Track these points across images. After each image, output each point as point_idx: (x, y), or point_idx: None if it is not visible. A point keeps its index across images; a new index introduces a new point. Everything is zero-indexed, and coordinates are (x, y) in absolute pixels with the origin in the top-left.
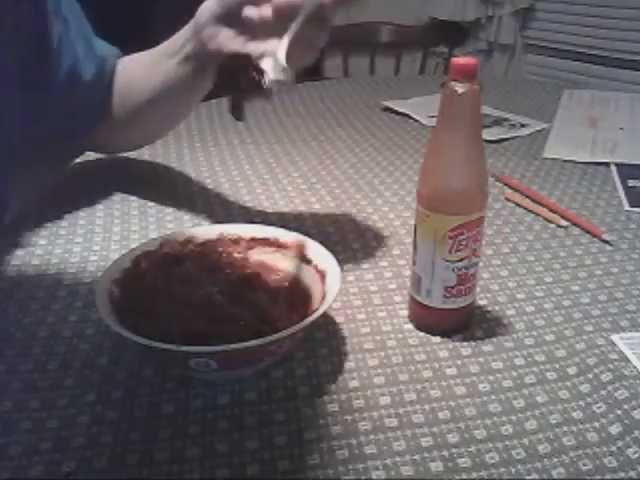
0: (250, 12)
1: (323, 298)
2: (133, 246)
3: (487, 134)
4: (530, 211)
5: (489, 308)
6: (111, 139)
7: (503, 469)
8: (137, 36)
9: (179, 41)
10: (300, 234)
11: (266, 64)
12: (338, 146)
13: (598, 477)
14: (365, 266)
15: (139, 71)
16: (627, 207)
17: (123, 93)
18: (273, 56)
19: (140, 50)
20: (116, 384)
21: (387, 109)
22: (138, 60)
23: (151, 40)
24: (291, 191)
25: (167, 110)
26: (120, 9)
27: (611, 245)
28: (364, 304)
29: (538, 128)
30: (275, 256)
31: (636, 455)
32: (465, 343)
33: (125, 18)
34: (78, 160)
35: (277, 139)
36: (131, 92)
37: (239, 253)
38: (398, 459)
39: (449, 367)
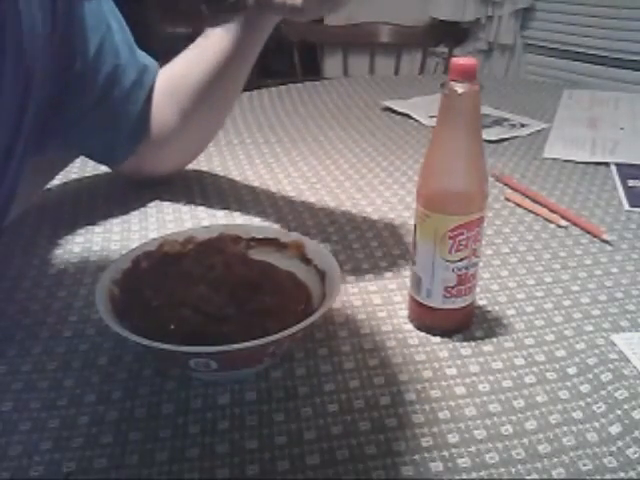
0: None
1: (323, 298)
2: (133, 246)
3: (487, 134)
4: (530, 211)
5: (489, 308)
6: (151, 159)
7: (503, 469)
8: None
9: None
10: (300, 234)
11: None
12: (338, 146)
13: (598, 477)
14: (365, 266)
15: (183, 66)
16: (627, 207)
17: (167, 96)
18: None
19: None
20: (116, 384)
21: (387, 109)
22: (177, 60)
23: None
24: (291, 191)
25: (219, 93)
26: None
27: (611, 245)
28: (364, 304)
29: (538, 128)
30: (275, 256)
31: (636, 455)
32: (465, 343)
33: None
34: (78, 160)
35: (277, 139)
36: (179, 90)
37: (239, 253)
38: (398, 459)
39: (449, 367)
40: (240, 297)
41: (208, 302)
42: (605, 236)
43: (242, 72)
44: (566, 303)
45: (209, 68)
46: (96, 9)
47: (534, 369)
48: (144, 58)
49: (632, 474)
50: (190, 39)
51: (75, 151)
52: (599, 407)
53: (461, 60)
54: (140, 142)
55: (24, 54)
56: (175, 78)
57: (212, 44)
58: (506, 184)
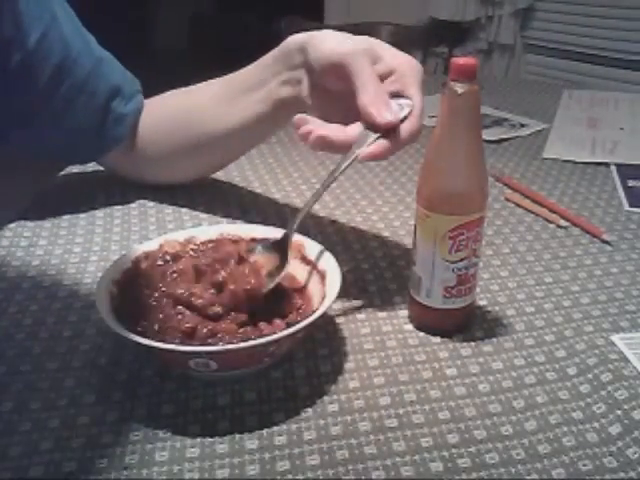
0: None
1: (323, 298)
2: (133, 246)
3: (487, 134)
4: (530, 211)
5: (489, 308)
6: (145, 171)
7: (503, 469)
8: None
9: (267, 76)
10: (300, 234)
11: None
12: None
13: (598, 477)
14: (365, 266)
15: (209, 102)
16: (627, 207)
17: (179, 124)
18: None
19: (136, 62)
20: (116, 384)
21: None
22: (206, 90)
23: (149, 54)
24: (291, 191)
25: (239, 144)
26: (119, 25)
27: (611, 245)
28: (364, 304)
29: (538, 128)
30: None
31: (636, 455)
32: (465, 343)
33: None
34: None
35: (277, 139)
36: (194, 124)
37: (239, 253)
38: (398, 459)
39: (449, 367)
40: (240, 297)
41: (208, 302)
42: (605, 236)
43: (257, 140)
44: (566, 303)
45: (223, 126)
46: (35, 1)
47: (534, 369)
48: (104, 53)
49: (632, 474)
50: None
51: (32, 153)
52: (599, 407)
53: (461, 60)
54: (116, 140)
55: None
56: (185, 115)
57: (250, 105)
58: (506, 184)
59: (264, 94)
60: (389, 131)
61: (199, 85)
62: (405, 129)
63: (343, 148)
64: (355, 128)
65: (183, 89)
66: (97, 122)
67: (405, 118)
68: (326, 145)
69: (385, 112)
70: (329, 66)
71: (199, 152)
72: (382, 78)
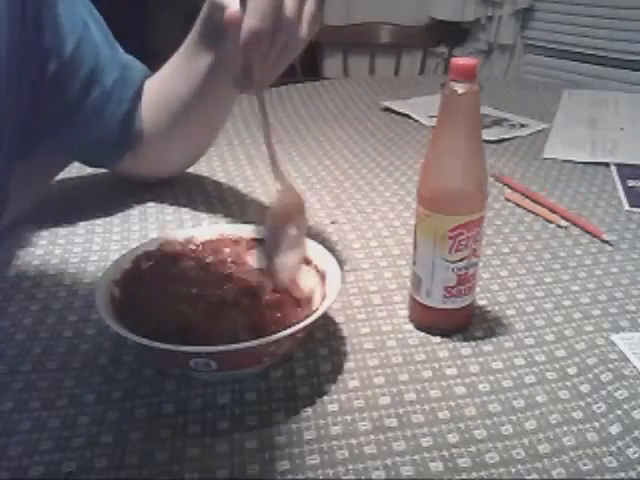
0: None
1: (323, 298)
2: (133, 246)
3: (487, 134)
4: (530, 211)
5: (489, 308)
6: (146, 162)
7: (503, 469)
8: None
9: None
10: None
11: None
12: (338, 146)
13: (598, 477)
14: (365, 266)
15: (170, 77)
16: (627, 207)
17: (159, 106)
18: None
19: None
20: (116, 384)
21: (387, 109)
22: (167, 68)
23: (151, 51)
24: None
25: (208, 107)
26: (119, 21)
27: (611, 245)
28: (364, 304)
29: (538, 128)
30: None
31: (636, 455)
32: (465, 343)
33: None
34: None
35: (277, 139)
36: (168, 101)
37: (239, 253)
38: (398, 459)
39: (449, 367)
40: (240, 297)
41: (208, 301)
42: (605, 236)
43: (224, 93)
44: (566, 303)
45: (187, 88)
46: (71, 8)
47: (534, 369)
48: (126, 56)
49: (632, 474)
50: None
51: (64, 155)
52: (599, 407)
53: (461, 60)
54: (132, 142)
55: None
56: (157, 93)
57: (189, 64)
58: (506, 184)
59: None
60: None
61: (167, 69)
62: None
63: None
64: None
65: (156, 74)
66: (121, 127)
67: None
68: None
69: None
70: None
71: (182, 124)
72: None
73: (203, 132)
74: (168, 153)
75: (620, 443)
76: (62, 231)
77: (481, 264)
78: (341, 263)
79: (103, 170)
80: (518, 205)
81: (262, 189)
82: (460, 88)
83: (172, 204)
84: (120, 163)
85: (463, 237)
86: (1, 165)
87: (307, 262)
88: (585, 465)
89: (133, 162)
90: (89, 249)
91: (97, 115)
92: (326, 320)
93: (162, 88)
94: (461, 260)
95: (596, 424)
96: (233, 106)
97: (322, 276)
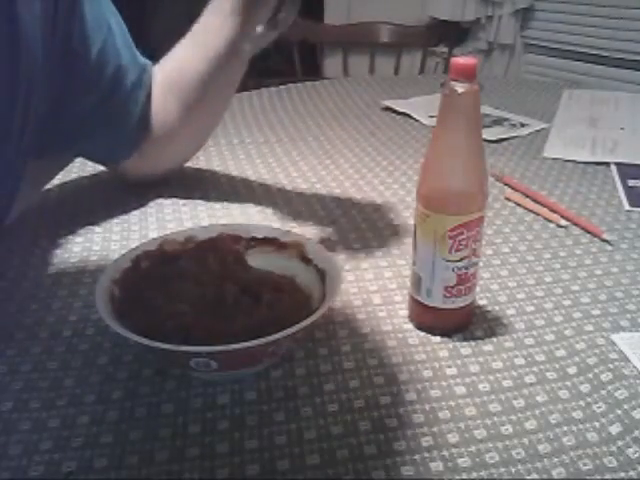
0: None
1: (323, 298)
2: (133, 246)
3: (487, 134)
4: (530, 211)
5: (489, 308)
6: (152, 157)
7: (503, 469)
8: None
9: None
10: (300, 234)
11: None
12: (338, 146)
13: (598, 477)
14: (365, 266)
15: (181, 59)
16: (627, 207)
17: (172, 88)
18: None
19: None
20: (116, 384)
21: (387, 109)
22: (175, 53)
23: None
24: (291, 191)
25: (217, 86)
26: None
27: (611, 245)
28: (364, 304)
29: (538, 128)
30: (275, 256)
31: (636, 455)
32: (465, 343)
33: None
34: (78, 160)
35: (277, 139)
36: (178, 83)
37: (239, 252)
38: (398, 459)
39: (449, 367)
40: (240, 296)
41: (208, 301)
42: (605, 236)
43: (237, 69)
44: (566, 303)
45: (205, 62)
46: (97, 11)
47: (534, 369)
48: (143, 59)
49: (632, 474)
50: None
51: (75, 153)
52: (599, 407)
53: (461, 60)
54: (142, 141)
55: (21, 57)
56: (174, 71)
57: (207, 40)
58: (506, 184)
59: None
60: None
61: (174, 53)
62: None
63: None
64: None
65: (161, 61)
66: (134, 127)
67: None
68: None
69: None
70: None
71: (199, 100)
72: None
73: (210, 116)
74: (173, 144)
75: (620, 443)
76: (62, 231)
77: (481, 264)
78: (341, 263)
79: (103, 170)
80: (518, 205)
81: (262, 189)
82: (460, 88)
83: (172, 204)
84: (128, 160)
85: (463, 237)
86: (18, 162)
87: (307, 262)
88: (585, 465)
89: (137, 159)
90: (89, 249)
91: (117, 117)
92: (326, 320)
93: (179, 68)
94: (461, 260)
95: (596, 424)
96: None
97: (322, 276)
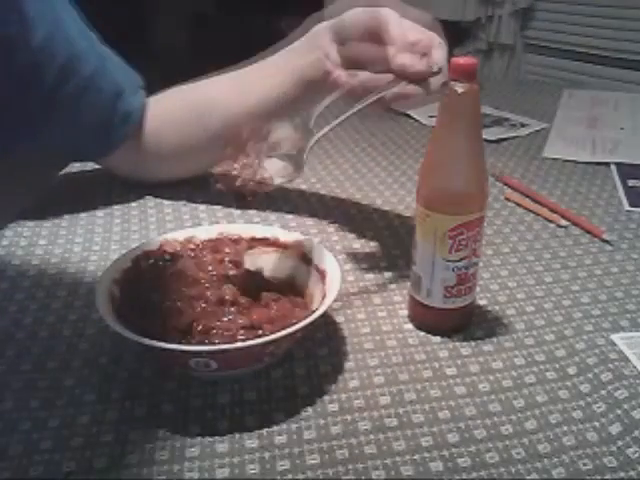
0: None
1: (323, 298)
2: (133, 246)
3: (487, 134)
4: (530, 211)
5: (489, 308)
6: (149, 167)
7: (503, 469)
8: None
9: (290, 59)
10: (300, 234)
11: (270, 165)
12: (338, 146)
13: (598, 477)
14: (365, 266)
15: (219, 93)
16: (627, 207)
17: (189, 117)
18: (285, 158)
19: (136, 62)
20: (116, 384)
21: (387, 109)
22: (216, 81)
23: (149, 52)
24: (291, 191)
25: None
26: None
27: (611, 245)
28: (364, 304)
29: (538, 128)
30: (275, 256)
31: (636, 455)
32: (465, 343)
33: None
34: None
35: None
36: (204, 115)
37: (239, 253)
38: (398, 459)
39: (449, 367)
40: (240, 296)
41: (208, 301)
42: (605, 236)
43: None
44: (566, 303)
45: (253, 107)
46: (40, 2)
47: (534, 369)
48: (105, 49)
49: (632, 474)
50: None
51: (47, 149)
52: (599, 407)
53: (461, 60)
54: (121, 141)
55: None
56: (204, 102)
57: (259, 94)
58: (506, 184)
59: (288, 76)
60: (418, 81)
61: (206, 80)
62: (437, 80)
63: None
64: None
65: (190, 84)
66: (104, 120)
67: (434, 74)
68: (362, 88)
69: (416, 62)
70: (360, 28)
71: (210, 143)
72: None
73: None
74: (165, 164)
75: (620, 443)
76: (62, 231)
77: (481, 264)
78: (341, 263)
79: (103, 170)
80: (518, 205)
81: None
82: (460, 88)
83: (172, 204)
84: (108, 158)
85: (463, 237)
86: None
87: (307, 262)
88: (585, 465)
89: (137, 165)
90: (89, 249)
91: (74, 105)
92: (326, 320)
93: (205, 105)
94: (461, 260)
95: (596, 424)
96: None
97: (322, 276)
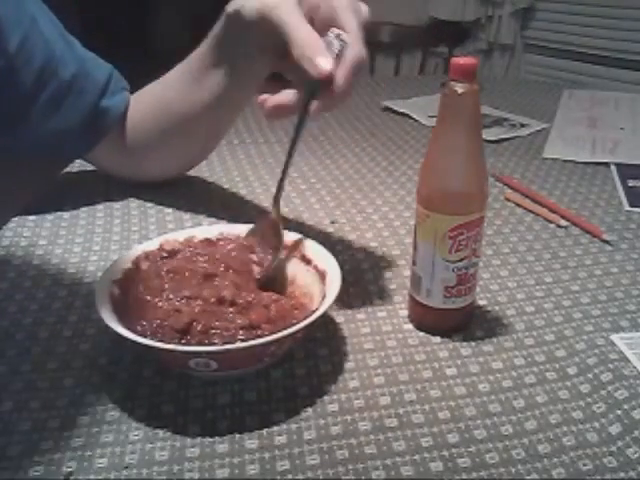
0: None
1: (323, 298)
2: (133, 246)
3: (487, 134)
4: (530, 211)
5: (489, 308)
6: (133, 166)
7: (503, 469)
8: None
9: (221, 49)
10: (300, 234)
11: None
12: (338, 146)
13: (598, 477)
14: (365, 266)
15: (178, 85)
16: (627, 207)
17: (150, 117)
18: None
19: (136, 63)
20: (116, 384)
21: (387, 109)
22: (168, 81)
23: (151, 55)
24: (291, 191)
25: (214, 121)
26: (119, 23)
27: (611, 245)
28: (364, 304)
29: (538, 128)
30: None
31: (636, 455)
32: (465, 343)
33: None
34: (77, 161)
35: (277, 139)
36: (172, 110)
37: (239, 252)
38: (398, 459)
39: (449, 367)
40: (240, 296)
41: (208, 301)
42: (605, 236)
43: (233, 112)
44: (566, 303)
45: (197, 103)
46: (14, 5)
47: (534, 369)
48: (85, 51)
49: (632, 474)
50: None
51: (25, 151)
52: (599, 407)
53: (461, 60)
54: (101, 134)
55: None
56: (162, 100)
57: (204, 80)
58: (506, 184)
59: (225, 67)
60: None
61: (170, 71)
62: (339, 78)
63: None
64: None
65: (160, 79)
66: (84, 120)
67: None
68: (281, 111)
69: (321, 62)
70: (260, 26)
71: (181, 135)
72: (313, 14)
73: (192, 150)
74: (163, 160)
75: (620, 443)
76: (62, 231)
77: (481, 264)
78: (341, 263)
79: (103, 170)
80: (518, 205)
81: (262, 189)
82: (460, 88)
83: (172, 204)
84: (100, 159)
85: (463, 237)
86: None
87: (307, 262)
88: (585, 465)
89: (128, 165)
90: (89, 249)
91: (54, 107)
92: (326, 320)
93: (163, 97)
94: (461, 260)
95: (596, 424)
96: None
97: (322, 276)
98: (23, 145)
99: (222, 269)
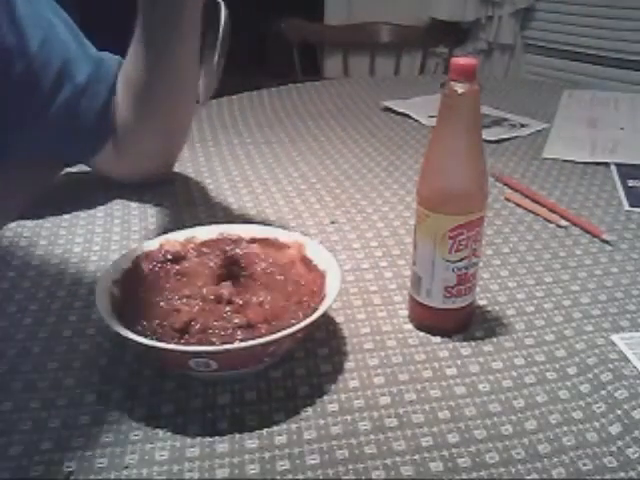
0: None
1: (323, 298)
2: (133, 246)
3: (487, 134)
4: (530, 211)
5: (489, 308)
6: (117, 160)
7: (503, 469)
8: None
9: None
10: (300, 234)
11: None
12: (338, 146)
13: (598, 477)
14: (365, 266)
15: (130, 63)
16: (627, 207)
17: (125, 89)
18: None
19: None
20: (116, 384)
21: (387, 109)
22: (127, 58)
23: None
24: (291, 191)
25: (168, 87)
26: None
27: (611, 245)
28: (364, 304)
29: (538, 128)
30: (275, 256)
31: (636, 455)
32: (465, 343)
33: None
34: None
35: (277, 139)
36: (131, 81)
37: (239, 253)
38: (398, 459)
39: (449, 367)
40: (240, 296)
41: (208, 301)
42: (605, 236)
43: (184, 45)
44: (566, 303)
45: (145, 63)
46: (33, 9)
47: (534, 369)
48: (99, 53)
49: (632, 474)
50: None
51: (39, 153)
52: (599, 407)
53: (461, 60)
54: (107, 137)
55: None
56: (128, 72)
57: (142, 39)
58: (506, 184)
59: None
60: None
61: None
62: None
63: None
64: None
65: None
66: (96, 121)
67: None
68: None
69: None
70: None
71: (151, 106)
72: None
73: (172, 111)
74: (143, 142)
75: (620, 443)
76: (62, 231)
77: (481, 264)
78: (341, 263)
79: (100, 173)
80: (518, 205)
81: (262, 189)
82: (460, 88)
83: (172, 204)
84: (96, 157)
85: (463, 237)
86: None
87: (307, 262)
88: (585, 465)
89: (112, 159)
90: (89, 249)
91: (72, 110)
92: (326, 320)
93: (125, 71)
94: (461, 260)
95: (596, 424)
96: (196, 82)
97: (322, 276)
98: (37, 147)
99: (223, 270)
